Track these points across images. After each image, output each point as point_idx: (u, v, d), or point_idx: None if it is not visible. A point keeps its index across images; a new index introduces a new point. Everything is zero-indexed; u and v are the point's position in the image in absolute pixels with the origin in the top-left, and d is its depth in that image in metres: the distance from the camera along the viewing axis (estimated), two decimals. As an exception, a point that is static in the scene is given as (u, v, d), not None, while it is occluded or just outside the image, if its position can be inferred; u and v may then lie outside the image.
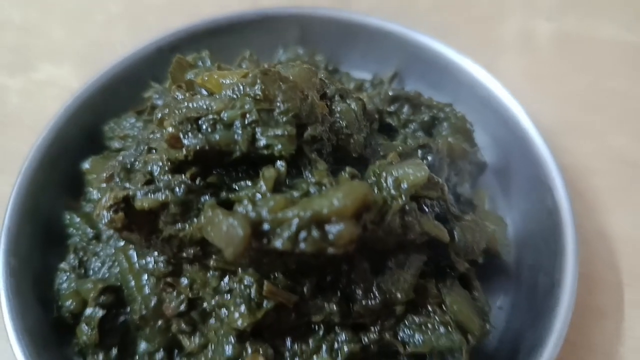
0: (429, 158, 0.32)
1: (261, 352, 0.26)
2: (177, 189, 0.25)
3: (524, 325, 0.33)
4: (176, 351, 0.31)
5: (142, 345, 0.31)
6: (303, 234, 0.22)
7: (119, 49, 0.42)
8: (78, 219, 0.35)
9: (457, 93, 0.40)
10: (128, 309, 0.31)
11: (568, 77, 0.49)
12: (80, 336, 0.31)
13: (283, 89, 0.26)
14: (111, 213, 0.25)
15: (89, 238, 0.34)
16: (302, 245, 0.22)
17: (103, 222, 0.25)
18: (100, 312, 0.30)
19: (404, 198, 0.25)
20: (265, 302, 0.25)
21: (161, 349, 0.31)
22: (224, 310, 0.27)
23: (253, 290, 0.25)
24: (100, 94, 0.40)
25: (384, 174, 0.26)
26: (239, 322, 0.25)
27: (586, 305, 0.37)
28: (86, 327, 0.31)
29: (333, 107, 0.30)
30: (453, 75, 0.40)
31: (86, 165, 0.36)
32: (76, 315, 0.32)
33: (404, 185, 0.26)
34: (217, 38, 0.41)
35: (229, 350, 0.27)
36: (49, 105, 0.47)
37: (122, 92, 0.40)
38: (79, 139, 0.39)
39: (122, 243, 0.31)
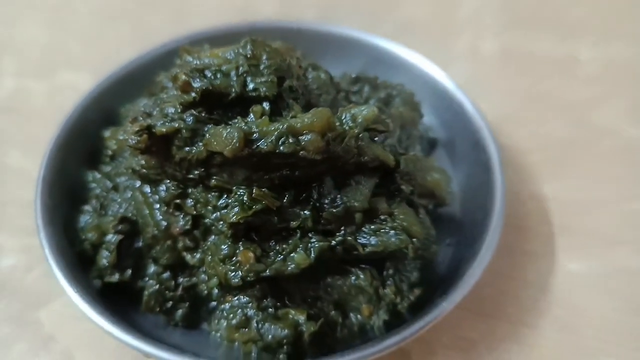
0: (384, 118, 0.40)
1: (251, 249, 0.33)
2: (187, 119, 0.33)
3: (466, 253, 0.40)
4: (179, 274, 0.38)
5: (151, 268, 0.38)
6: (282, 140, 0.30)
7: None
8: (99, 175, 0.42)
9: (410, 85, 0.49)
10: (141, 239, 0.38)
11: (509, 81, 0.59)
12: (99, 261, 0.38)
13: (268, 51, 0.35)
14: (137, 137, 0.33)
15: (108, 188, 0.41)
16: (282, 148, 0.30)
17: (130, 142, 0.33)
18: (118, 237, 0.38)
19: (358, 128, 0.33)
20: (254, 206, 0.33)
21: (167, 271, 0.38)
22: (221, 223, 0.34)
23: (245, 197, 0.33)
24: (117, 83, 0.48)
25: (343, 113, 0.34)
26: (234, 217, 0.32)
27: (524, 250, 0.45)
28: (105, 252, 0.38)
29: (306, 75, 0.39)
30: (407, 70, 0.49)
31: (107, 133, 0.44)
32: (95, 247, 0.39)
33: (359, 120, 0.34)
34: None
35: (225, 249, 0.34)
36: (68, 104, 0.55)
37: (135, 82, 0.48)
38: (99, 119, 0.47)
39: (138, 184, 0.38)
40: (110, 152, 0.43)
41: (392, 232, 0.34)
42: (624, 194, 0.48)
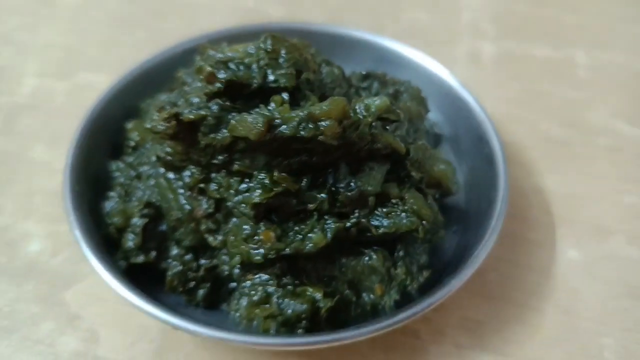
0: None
1: (272, 229, 0.36)
2: (213, 107, 0.36)
3: (471, 240, 0.42)
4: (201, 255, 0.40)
5: (174, 250, 0.40)
6: (302, 125, 0.33)
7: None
8: (122, 165, 0.44)
9: (415, 82, 0.51)
10: (164, 223, 0.41)
11: (507, 83, 0.62)
12: (125, 243, 0.40)
13: (286, 46, 0.38)
14: (166, 123, 0.35)
15: (132, 177, 0.43)
16: (302, 132, 0.33)
17: (159, 129, 0.35)
18: (143, 221, 0.40)
19: (371, 117, 0.36)
20: (275, 188, 0.35)
21: (189, 253, 0.40)
22: (242, 206, 0.37)
23: (267, 180, 0.35)
24: (136, 80, 0.50)
25: (357, 103, 0.37)
26: (257, 198, 0.35)
27: (526, 238, 0.47)
28: (131, 235, 0.40)
29: (320, 69, 0.41)
30: (413, 69, 0.52)
31: (129, 125, 0.46)
32: (120, 231, 0.41)
33: (372, 109, 0.36)
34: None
35: (247, 229, 0.36)
36: (88, 102, 0.58)
37: (154, 79, 0.51)
38: (120, 114, 0.49)
39: (162, 171, 0.41)
40: (133, 143, 0.45)
41: (403, 214, 0.37)
42: (617, 188, 0.51)
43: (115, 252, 0.41)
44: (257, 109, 0.35)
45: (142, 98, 0.49)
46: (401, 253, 0.39)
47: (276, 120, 0.33)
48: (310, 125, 0.33)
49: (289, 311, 0.35)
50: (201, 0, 0.72)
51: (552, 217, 0.48)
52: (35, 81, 0.60)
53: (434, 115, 0.51)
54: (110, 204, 0.42)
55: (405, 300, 0.39)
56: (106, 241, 0.41)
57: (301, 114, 0.33)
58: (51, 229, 0.47)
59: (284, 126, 0.33)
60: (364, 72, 0.47)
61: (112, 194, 0.43)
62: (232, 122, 0.34)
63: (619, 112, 0.58)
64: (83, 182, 0.43)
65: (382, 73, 0.47)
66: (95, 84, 0.60)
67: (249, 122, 0.33)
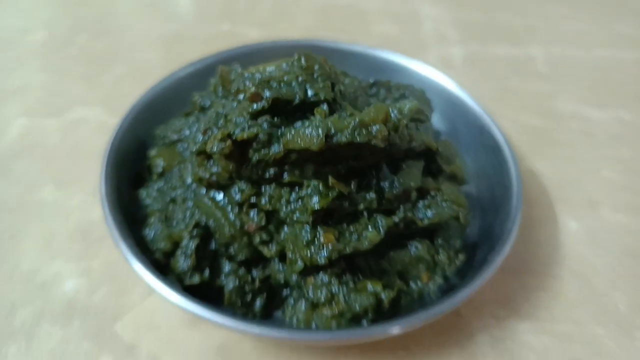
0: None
1: (331, 231, 0.38)
2: (263, 125, 0.38)
3: (493, 222, 0.46)
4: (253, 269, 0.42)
5: (227, 267, 0.41)
6: (357, 131, 0.36)
7: (133, 97, 0.52)
8: (154, 192, 0.45)
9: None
10: (213, 241, 0.42)
11: (479, 83, 0.68)
12: (177, 266, 0.41)
13: (318, 62, 0.40)
14: (222, 144, 0.37)
15: (167, 202, 0.44)
16: (358, 138, 0.36)
17: (214, 149, 0.37)
18: (195, 242, 0.41)
19: (406, 118, 0.39)
20: (330, 193, 0.37)
21: (242, 267, 0.41)
22: (297, 214, 0.39)
23: (321, 187, 0.38)
24: (144, 110, 0.51)
25: (390, 107, 0.40)
26: (316, 205, 0.37)
27: (531, 216, 0.52)
28: (183, 257, 0.41)
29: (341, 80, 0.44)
30: (406, 74, 0.56)
31: (153, 152, 0.47)
32: (167, 255, 0.42)
33: (405, 112, 0.40)
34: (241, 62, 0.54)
35: (306, 235, 0.38)
36: (86, 135, 0.57)
37: (165, 105, 0.51)
38: (136, 144, 0.49)
39: (203, 191, 0.42)
40: (160, 170, 0.46)
41: (444, 204, 0.40)
42: (596, 166, 0.57)
43: (164, 276, 0.41)
44: (305, 121, 0.37)
45: (151, 126, 0.50)
46: (440, 241, 0.42)
47: (332, 130, 0.36)
48: (364, 132, 0.36)
49: (357, 306, 0.38)
50: (176, 30, 0.73)
51: (548, 195, 0.54)
52: (23, 122, 0.59)
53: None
54: (153, 230, 0.43)
55: (445, 283, 0.42)
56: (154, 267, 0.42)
57: (353, 122, 0.36)
58: (82, 267, 0.46)
59: (340, 134, 0.36)
60: (371, 81, 0.50)
61: (152, 220, 0.43)
62: (288, 136, 0.37)
63: (581, 98, 0.65)
64: (119, 212, 0.43)
65: (387, 80, 0.51)
66: (88, 117, 0.60)
67: (307, 135, 0.36)
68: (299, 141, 0.36)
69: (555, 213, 0.52)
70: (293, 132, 0.37)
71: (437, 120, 0.55)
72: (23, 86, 0.64)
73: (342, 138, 0.36)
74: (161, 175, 0.46)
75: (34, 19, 0.74)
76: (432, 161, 0.42)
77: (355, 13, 0.78)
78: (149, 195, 0.45)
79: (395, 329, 0.36)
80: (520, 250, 0.49)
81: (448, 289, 0.42)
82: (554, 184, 0.55)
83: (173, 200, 0.44)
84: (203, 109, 0.48)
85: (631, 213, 0.53)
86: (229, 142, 0.37)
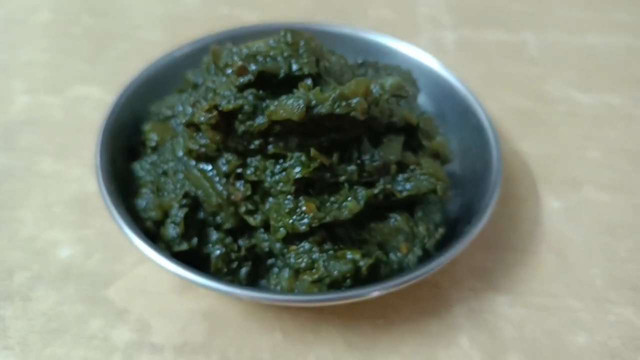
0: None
1: (312, 201, 0.39)
2: (248, 97, 0.39)
3: (473, 198, 0.48)
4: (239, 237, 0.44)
5: (214, 235, 0.43)
6: (337, 103, 0.37)
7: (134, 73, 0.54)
8: (146, 164, 0.47)
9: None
10: (201, 211, 0.43)
11: (470, 67, 0.69)
12: (166, 234, 0.43)
13: (304, 38, 0.42)
14: (208, 114, 0.38)
15: (159, 174, 0.46)
16: (337, 110, 0.37)
17: (201, 120, 0.38)
18: (184, 210, 0.42)
19: (387, 94, 0.41)
20: (312, 164, 0.39)
21: (229, 236, 0.43)
22: (281, 184, 0.40)
23: (303, 158, 0.39)
24: (142, 86, 0.53)
25: (372, 83, 0.41)
26: (298, 175, 0.39)
27: (514, 194, 0.53)
28: (172, 225, 0.43)
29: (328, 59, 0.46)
30: (395, 55, 0.58)
31: (147, 127, 0.49)
32: (158, 223, 0.43)
33: (386, 87, 0.41)
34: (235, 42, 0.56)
35: (288, 204, 0.40)
36: (87, 112, 0.59)
37: (161, 82, 0.53)
38: (131, 119, 0.51)
39: (193, 163, 0.44)
40: (153, 144, 0.48)
41: (422, 177, 0.42)
42: (580, 146, 0.59)
43: (154, 244, 0.43)
44: (290, 94, 0.39)
45: (148, 102, 0.52)
46: (420, 214, 0.44)
47: (312, 102, 0.38)
48: (343, 104, 0.38)
49: (335, 272, 0.39)
50: (177, 12, 0.75)
51: (532, 175, 0.55)
52: (27, 98, 0.61)
53: (418, 96, 0.56)
54: (144, 200, 0.44)
55: (425, 256, 0.44)
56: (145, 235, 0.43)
57: (333, 94, 0.38)
58: (78, 235, 0.48)
59: (320, 106, 0.37)
60: (359, 61, 0.52)
61: (144, 191, 0.45)
62: (272, 107, 0.38)
63: (570, 82, 0.66)
64: (113, 182, 0.45)
65: (375, 61, 0.53)
66: (90, 96, 0.62)
67: (289, 106, 0.37)
68: (282, 112, 0.38)
69: (538, 191, 0.54)
70: (276, 104, 0.38)
71: (424, 101, 0.57)
72: (28, 63, 0.66)
73: (323, 109, 0.37)
74: (155, 149, 0.48)
75: None
76: (412, 136, 0.44)
77: (352, -3, 0.79)
78: (142, 168, 0.47)
79: (368, 292, 0.38)
80: (501, 226, 0.51)
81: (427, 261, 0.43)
82: (538, 164, 0.56)
83: (165, 173, 0.46)
84: (196, 86, 0.49)
85: (613, 192, 0.54)
86: (215, 112, 0.38)
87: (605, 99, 0.64)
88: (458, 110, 0.54)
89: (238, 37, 0.57)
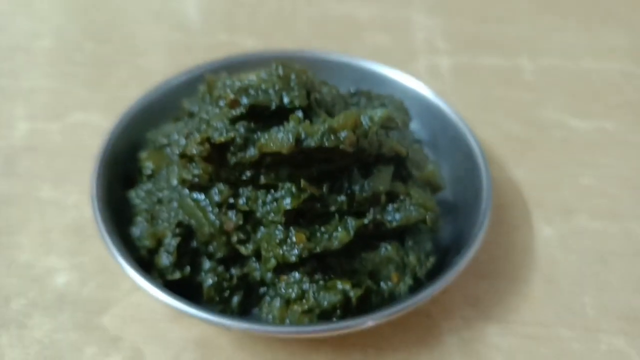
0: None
1: (302, 231, 0.40)
2: (240, 129, 0.40)
3: (464, 227, 0.48)
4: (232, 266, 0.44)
5: (207, 264, 0.44)
6: (326, 137, 0.38)
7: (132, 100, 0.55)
8: (142, 192, 0.48)
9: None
10: (194, 240, 0.44)
11: (466, 92, 0.69)
12: (160, 262, 0.43)
13: (295, 71, 0.43)
14: (200, 147, 0.39)
15: (154, 202, 0.47)
16: (326, 143, 0.38)
17: (193, 152, 0.39)
18: (177, 239, 0.43)
19: (376, 125, 0.42)
20: (302, 195, 0.40)
21: (221, 265, 0.44)
22: (272, 214, 0.41)
23: (294, 189, 0.40)
24: (138, 114, 0.54)
25: (362, 115, 0.42)
26: (288, 205, 0.39)
27: (507, 222, 0.54)
28: (166, 254, 0.43)
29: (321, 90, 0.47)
30: (388, 84, 0.58)
31: (143, 154, 0.50)
32: (151, 252, 0.44)
33: (376, 119, 0.42)
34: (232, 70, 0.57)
35: (279, 234, 0.40)
36: (86, 139, 0.60)
37: (158, 110, 0.54)
38: (126, 147, 0.52)
39: (186, 192, 0.44)
40: (149, 172, 0.49)
41: (411, 207, 0.42)
42: (574, 173, 0.59)
43: (148, 273, 0.44)
44: (280, 127, 0.40)
45: (145, 130, 0.53)
46: (410, 243, 0.44)
47: (302, 135, 0.38)
48: (332, 137, 0.38)
49: (325, 303, 0.40)
50: (177, 39, 0.76)
51: (525, 202, 0.56)
52: (28, 124, 0.62)
53: (412, 126, 0.57)
54: (139, 229, 0.45)
55: (416, 285, 0.44)
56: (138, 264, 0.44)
57: (322, 127, 0.38)
58: (74, 262, 0.49)
59: (310, 139, 0.38)
60: (352, 90, 0.53)
61: (139, 219, 0.46)
62: (262, 140, 0.39)
63: (565, 108, 0.66)
64: (108, 210, 0.46)
65: (368, 90, 0.53)
66: (89, 122, 0.63)
67: (280, 139, 0.38)
68: (272, 145, 0.38)
69: (531, 219, 0.54)
70: (267, 136, 0.39)
71: (417, 128, 0.57)
72: (30, 89, 0.67)
73: (312, 143, 0.38)
74: (150, 177, 0.49)
75: (44, 25, 0.77)
76: (402, 166, 0.44)
77: (349, 23, 0.80)
78: (138, 196, 0.48)
79: (356, 324, 0.38)
80: (493, 254, 0.51)
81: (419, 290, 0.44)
82: (531, 191, 0.57)
83: (159, 201, 0.47)
84: (191, 115, 0.50)
85: (605, 219, 0.54)
86: (207, 145, 0.39)
87: (600, 124, 0.65)
88: (449, 137, 0.54)
89: (235, 65, 0.58)
